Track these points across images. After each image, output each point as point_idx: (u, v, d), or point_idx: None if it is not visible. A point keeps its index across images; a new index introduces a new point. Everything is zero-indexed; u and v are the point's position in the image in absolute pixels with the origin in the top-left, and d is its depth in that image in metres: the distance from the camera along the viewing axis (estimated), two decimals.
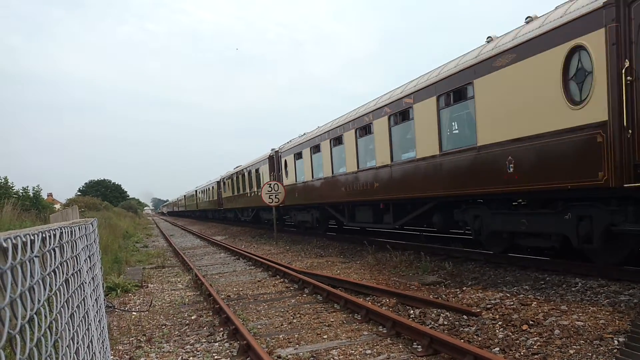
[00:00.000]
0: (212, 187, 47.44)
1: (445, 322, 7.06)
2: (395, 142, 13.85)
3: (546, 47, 8.49)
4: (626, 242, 8.32)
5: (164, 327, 8.36)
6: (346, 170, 16.96)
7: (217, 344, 7.11)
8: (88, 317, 1.97)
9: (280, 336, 7.18)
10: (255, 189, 29.40)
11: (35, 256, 1.08)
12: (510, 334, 6.26)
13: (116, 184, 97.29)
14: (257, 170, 29.31)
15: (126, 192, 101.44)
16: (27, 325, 0.97)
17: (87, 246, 2.30)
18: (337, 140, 17.73)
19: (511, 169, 9.33)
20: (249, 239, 25.73)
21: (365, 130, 15.54)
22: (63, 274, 1.48)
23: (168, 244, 26.90)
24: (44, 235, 1.21)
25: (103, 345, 2.47)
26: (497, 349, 5.86)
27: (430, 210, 13.05)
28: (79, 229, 1.97)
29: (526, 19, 9.59)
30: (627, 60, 7.12)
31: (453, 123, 11.61)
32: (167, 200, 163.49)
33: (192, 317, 8.89)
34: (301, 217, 24.08)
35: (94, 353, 1.98)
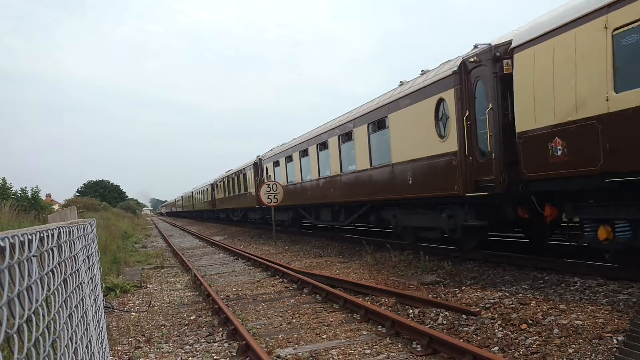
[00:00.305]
0: (207, 189, 50.21)
1: (445, 322, 7.06)
2: (344, 157, 17.21)
3: (426, 97, 11.82)
4: (477, 233, 11.63)
5: (163, 327, 8.35)
6: (311, 177, 20.36)
7: (216, 344, 7.11)
8: (86, 317, 1.97)
9: (280, 336, 7.18)
10: (244, 191, 31.90)
11: (33, 256, 1.08)
12: (510, 333, 6.26)
13: (115, 185, 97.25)
14: (244, 175, 31.81)
15: (125, 192, 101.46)
16: (25, 325, 0.96)
17: (86, 246, 2.29)
18: (304, 153, 21.00)
19: (410, 181, 12.65)
20: (248, 239, 25.72)
21: (323, 145, 18.85)
22: (61, 273, 1.47)
23: (167, 244, 26.88)
24: (41, 235, 1.21)
25: (102, 346, 2.46)
26: (497, 348, 5.87)
27: (368, 210, 16.37)
28: (77, 229, 1.97)
29: (421, 71, 12.85)
30: (467, 110, 10.34)
31: (378, 145, 14.70)
32: (166, 201, 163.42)
33: (192, 318, 8.89)
34: (279, 217, 26.70)
35: (93, 353, 1.97)
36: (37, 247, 1.13)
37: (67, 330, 1.44)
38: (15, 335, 0.88)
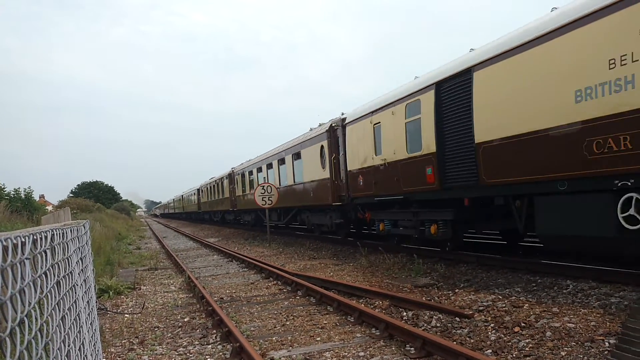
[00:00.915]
0: (194, 193, 57.55)
1: (438, 324, 7.08)
2: (281, 175, 24.07)
3: (315, 143, 18.99)
4: (342, 227, 18.64)
5: (156, 329, 8.33)
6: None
7: (210, 346, 7.10)
8: (79, 319, 1.97)
9: (274, 338, 7.17)
10: (222, 197, 38.95)
11: (26, 258, 1.08)
12: (503, 335, 6.29)
13: (109, 186, 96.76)
14: (222, 183, 38.98)
15: (119, 194, 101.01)
16: (17, 328, 0.96)
17: (79, 248, 2.29)
18: (259, 169, 28.10)
19: (311, 194, 19.51)
20: (242, 241, 25.69)
21: (269, 166, 25.90)
22: (54, 276, 1.47)
23: (161, 246, 26.82)
24: (34, 237, 1.21)
25: (95, 348, 2.46)
26: (490, 351, 5.88)
27: (295, 213, 23.51)
28: (70, 231, 1.97)
29: (319, 124, 19.80)
30: (334, 153, 17.46)
31: (296, 168, 21.74)
32: (160, 202, 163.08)
33: (185, 320, 8.87)
34: (247, 218, 34.25)
35: (86, 355, 1.97)
36: (30, 249, 1.14)
37: (60, 332, 1.44)
38: (7, 339, 0.89)
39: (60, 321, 1.49)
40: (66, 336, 1.56)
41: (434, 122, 11.20)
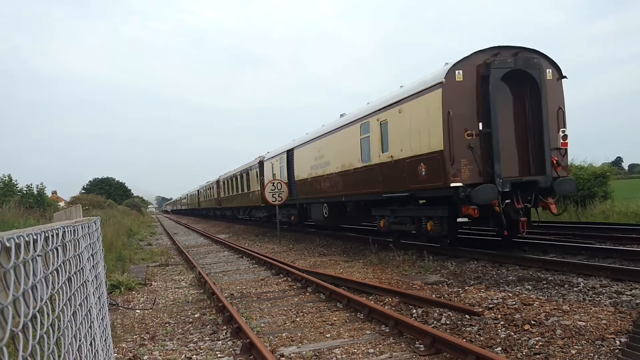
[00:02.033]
0: (211, 187, 55.24)
1: (448, 322, 7.07)
2: (223, 190, 40.58)
3: (253, 167, 30.98)
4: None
5: (167, 325, 8.39)
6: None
7: (220, 342, 7.14)
8: (90, 315, 1.99)
9: (284, 334, 7.20)
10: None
11: (38, 255, 1.10)
12: (512, 333, 6.27)
13: (120, 182, 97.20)
14: (210, 188, 52.35)
15: (130, 190, 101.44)
16: (29, 323, 0.99)
17: (90, 245, 2.32)
18: (220, 185, 43.82)
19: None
20: (252, 237, 25.77)
21: (218, 185, 43.02)
22: (65, 272, 1.50)
23: (172, 242, 26.95)
24: (46, 234, 1.24)
25: (106, 343, 2.49)
26: (499, 348, 5.87)
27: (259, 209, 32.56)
28: (81, 227, 1.99)
29: (258, 157, 30.98)
30: (262, 176, 28.78)
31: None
32: (171, 199, 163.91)
33: (196, 315, 8.92)
34: (228, 213, 46.75)
35: (97, 350, 2.00)
36: (42, 246, 1.16)
37: (72, 327, 1.47)
38: (20, 334, 0.91)
39: (72, 316, 1.51)
40: (77, 331, 1.58)
41: (286, 167, 24.20)
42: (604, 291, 7.70)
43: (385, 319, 7.23)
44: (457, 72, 11.17)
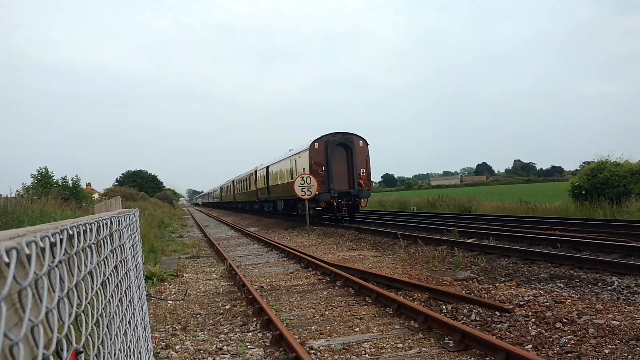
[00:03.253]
0: (247, 178, 58.02)
1: (477, 318, 7.04)
2: (237, 189, 55.37)
3: (263, 167, 40.27)
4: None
5: (198, 316, 8.53)
6: (245, 190, 47.64)
7: (250, 333, 7.24)
8: (133, 303, 2.07)
9: (313, 327, 7.26)
10: (230, 194, 58.75)
11: (93, 243, 1.17)
12: (544, 331, 6.21)
13: (152, 175, 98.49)
14: (229, 186, 64.05)
15: (162, 182, 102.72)
16: (88, 305, 1.06)
17: (131, 235, 2.41)
18: (233, 186, 57.95)
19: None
20: (282, 231, 25.93)
21: (232, 186, 58.65)
22: (112, 260, 1.57)
23: (203, 234, 27.29)
24: (98, 224, 1.31)
25: (145, 330, 2.58)
26: (530, 346, 5.83)
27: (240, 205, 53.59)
28: (124, 218, 2.07)
29: (250, 171, 46.64)
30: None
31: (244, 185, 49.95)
32: (202, 192, 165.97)
33: (226, 307, 9.05)
34: (239, 205, 57.65)
35: (139, 336, 2.08)
36: (95, 235, 1.23)
37: (119, 313, 1.54)
38: (82, 313, 0.98)
39: (119, 302, 1.59)
40: (123, 316, 1.66)
41: (266, 177, 36.40)
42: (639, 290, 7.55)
43: (415, 314, 7.24)
44: (315, 144, 25.24)
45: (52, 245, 0.85)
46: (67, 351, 0.89)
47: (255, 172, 41.56)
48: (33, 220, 15.18)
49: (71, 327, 0.90)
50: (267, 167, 36.09)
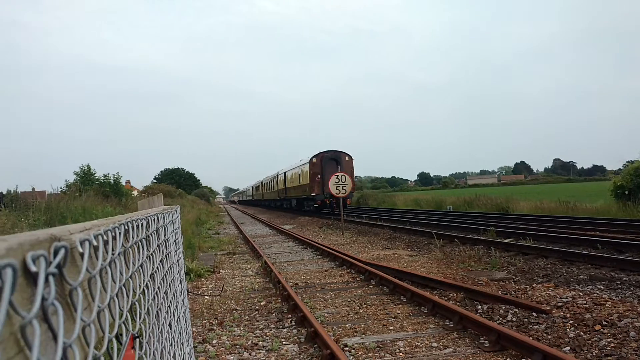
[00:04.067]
0: (250, 188, 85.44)
1: (514, 319, 6.97)
2: (264, 189, 67.16)
3: (282, 172, 52.87)
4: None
5: (234, 311, 8.67)
6: (270, 190, 58.18)
7: (285, 330, 7.33)
8: (176, 296, 2.16)
9: (347, 325, 7.31)
10: (260, 192, 71.03)
11: (144, 237, 1.25)
12: (582, 333, 6.11)
13: (190, 173, 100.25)
14: (259, 186, 73.97)
15: (199, 180, 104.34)
16: (140, 296, 1.13)
17: (174, 231, 2.50)
18: (262, 186, 69.32)
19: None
20: (316, 229, 26.06)
21: (261, 186, 69.54)
22: (159, 255, 1.66)
23: (239, 231, 27.61)
24: (148, 220, 1.39)
25: (186, 323, 2.68)
26: (568, 348, 5.75)
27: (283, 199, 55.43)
28: (168, 214, 2.16)
29: (277, 171, 57.12)
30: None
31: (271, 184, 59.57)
32: (238, 189, 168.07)
33: (262, 303, 9.17)
34: (266, 203, 65.76)
35: (182, 328, 2.17)
36: (145, 229, 1.31)
37: (165, 305, 1.62)
38: (136, 302, 1.06)
39: (164, 295, 1.67)
40: (168, 308, 1.75)
41: (284, 180, 46.70)
42: None
43: (450, 313, 7.21)
44: (314, 158, 34.90)
45: (113, 238, 0.92)
46: (126, 335, 0.97)
47: (277, 175, 51.68)
48: (76, 217, 15.69)
49: (128, 314, 0.97)
50: (285, 173, 46.32)
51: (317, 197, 34.01)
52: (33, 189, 22.39)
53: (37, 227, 12.17)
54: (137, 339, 1.08)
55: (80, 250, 0.69)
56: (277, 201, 54.08)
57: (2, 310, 0.43)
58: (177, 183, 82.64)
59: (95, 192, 25.01)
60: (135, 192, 46.00)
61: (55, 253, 0.60)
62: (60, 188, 27.31)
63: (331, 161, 34.29)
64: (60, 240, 0.63)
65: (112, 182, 31.00)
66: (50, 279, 0.55)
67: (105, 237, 0.84)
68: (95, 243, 0.77)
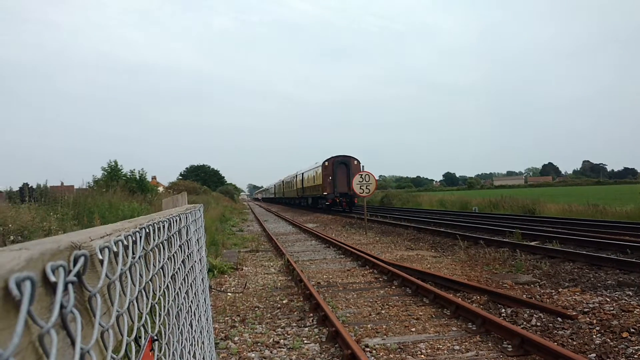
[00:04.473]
0: (272, 186, 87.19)
1: (538, 324, 6.87)
2: (285, 188, 70.06)
3: (299, 173, 58.32)
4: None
5: (257, 309, 8.73)
6: (289, 189, 64.06)
7: (306, 328, 7.35)
8: (197, 295, 2.19)
9: (368, 326, 7.30)
10: (280, 191, 77.30)
11: (165, 239, 1.27)
12: (609, 340, 6.00)
13: (215, 170, 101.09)
14: (280, 184, 77.15)
15: (224, 177, 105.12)
16: (160, 298, 1.15)
17: (197, 230, 2.53)
18: (283, 185, 72.51)
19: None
20: (339, 228, 26.04)
21: (282, 185, 73.24)
22: (181, 255, 1.68)
23: (262, 229, 27.75)
24: (170, 221, 1.41)
25: (208, 321, 2.70)
26: (594, 355, 5.65)
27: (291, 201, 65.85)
28: (191, 214, 2.19)
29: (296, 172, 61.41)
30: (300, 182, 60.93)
31: (291, 183, 63.48)
32: (262, 187, 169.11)
33: (284, 301, 9.21)
34: (285, 200, 71.02)
35: (202, 327, 2.19)
36: (167, 231, 1.33)
37: (185, 305, 1.65)
38: (156, 305, 1.08)
39: (185, 295, 1.70)
40: (189, 308, 1.77)
41: (301, 180, 51.85)
42: None
43: (473, 316, 7.15)
44: (326, 162, 39.78)
45: (134, 242, 0.94)
46: (145, 338, 0.99)
47: (296, 175, 56.64)
48: (102, 212, 15.96)
49: (147, 317, 0.99)
50: (302, 174, 51.50)
51: (328, 196, 39.35)
52: (62, 183, 22.85)
53: (65, 221, 12.43)
54: (156, 342, 1.10)
55: (100, 257, 0.70)
56: (296, 199, 59.18)
57: (19, 322, 0.44)
58: (202, 180, 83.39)
59: (122, 188, 25.37)
60: (161, 188, 46.47)
61: (75, 261, 0.61)
62: (88, 183, 27.79)
63: (341, 165, 39.53)
64: (80, 249, 0.65)
65: (138, 178, 31.41)
66: (70, 287, 0.57)
67: (125, 242, 0.86)
68: (115, 249, 0.79)
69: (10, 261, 0.48)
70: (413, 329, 7.05)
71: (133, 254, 0.92)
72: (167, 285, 1.27)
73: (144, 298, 1.00)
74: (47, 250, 0.55)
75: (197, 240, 2.57)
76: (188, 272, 1.87)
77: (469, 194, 55.25)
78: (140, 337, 0.97)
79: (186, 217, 1.94)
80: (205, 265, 3.21)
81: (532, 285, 9.32)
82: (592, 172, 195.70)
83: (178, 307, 1.48)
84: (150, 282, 1.06)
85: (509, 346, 6.06)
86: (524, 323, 6.97)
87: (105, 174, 30.40)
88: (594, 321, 6.73)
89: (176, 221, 1.55)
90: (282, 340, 6.81)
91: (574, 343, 6.05)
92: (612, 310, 7.08)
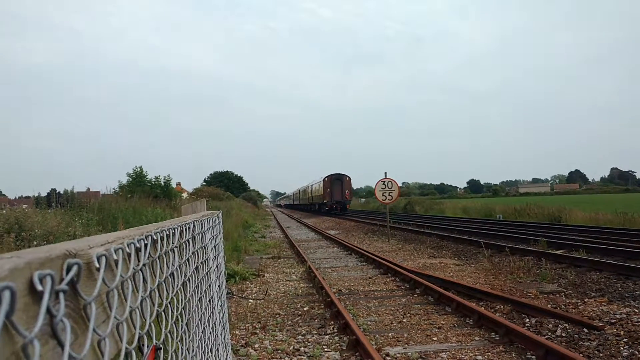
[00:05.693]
0: (291, 194, 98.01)
1: (563, 334, 6.73)
2: (300, 195, 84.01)
3: (310, 183, 72.89)
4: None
5: (277, 316, 8.72)
6: (304, 196, 75.82)
7: (327, 336, 7.31)
8: (212, 302, 2.18)
9: (390, 334, 7.23)
10: (296, 198, 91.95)
11: (176, 246, 1.27)
12: (637, 352, 5.84)
13: (238, 176, 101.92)
14: (297, 192, 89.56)
15: (247, 183, 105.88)
16: (169, 305, 1.15)
17: (213, 237, 2.53)
18: (299, 193, 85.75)
19: (312, 199, 67.18)
20: (362, 235, 25.94)
21: (299, 193, 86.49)
22: (194, 262, 1.68)
23: (284, 235, 27.78)
24: (181, 228, 1.41)
25: (224, 329, 2.70)
26: None
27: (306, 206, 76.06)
28: (207, 221, 2.19)
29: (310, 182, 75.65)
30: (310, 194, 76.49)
31: (305, 193, 76.81)
32: (285, 193, 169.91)
33: (305, 309, 9.19)
34: (300, 207, 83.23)
35: (217, 334, 2.19)
36: (178, 239, 1.33)
37: (198, 312, 1.64)
38: (162, 312, 1.07)
39: (198, 302, 1.69)
40: (202, 315, 1.77)
41: (310, 190, 66.54)
42: None
43: (496, 326, 7.03)
44: (325, 178, 53.83)
45: (137, 250, 0.94)
46: (147, 347, 0.98)
47: (308, 186, 69.04)
48: (127, 217, 16.19)
49: (152, 324, 0.98)
50: (312, 185, 63.88)
51: (327, 203, 53.09)
52: (88, 189, 23.24)
53: (90, 226, 12.62)
54: (160, 350, 1.09)
55: (97, 265, 0.70)
56: (308, 205, 72.33)
57: None
58: (226, 186, 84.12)
59: (146, 194, 25.71)
60: (185, 194, 47.00)
61: (69, 269, 0.61)
62: (114, 189, 28.24)
63: (336, 180, 53.44)
64: (75, 257, 0.65)
65: (163, 184, 31.80)
66: (61, 295, 0.56)
67: (128, 250, 0.86)
68: (115, 257, 0.78)
69: None
70: (435, 338, 6.96)
71: (138, 261, 0.91)
72: (177, 292, 1.27)
73: (149, 306, 1.00)
74: (35, 259, 0.54)
75: (215, 246, 2.57)
76: (202, 279, 1.87)
77: (493, 202, 54.58)
78: (143, 345, 0.96)
79: (201, 224, 1.94)
80: (224, 272, 3.21)
81: (557, 295, 9.15)
82: (620, 180, 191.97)
83: (189, 314, 1.47)
84: (157, 289, 1.05)
85: (533, 357, 5.94)
86: (549, 333, 6.83)
87: (131, 180, 30.85)
88: (622, 332, 6.56)
89: (189, 228, 1.55)
90: (302, 348, 6.79)
91: (600, 355, 5.90)
92: None
